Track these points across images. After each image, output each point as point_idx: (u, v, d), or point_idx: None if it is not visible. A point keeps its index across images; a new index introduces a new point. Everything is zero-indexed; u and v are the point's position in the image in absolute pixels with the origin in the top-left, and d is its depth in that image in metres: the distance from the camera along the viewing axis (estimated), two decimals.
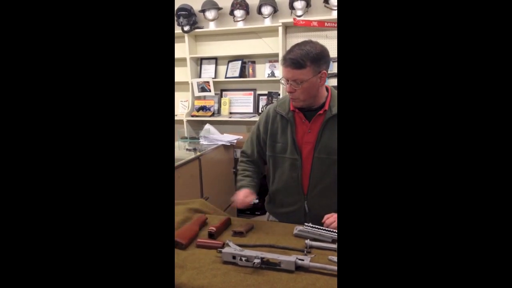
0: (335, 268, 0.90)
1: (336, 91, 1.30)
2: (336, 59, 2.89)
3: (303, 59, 1.13)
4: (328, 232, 1.09)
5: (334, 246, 1.04)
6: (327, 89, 1.28)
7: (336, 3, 2.71)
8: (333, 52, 2.87)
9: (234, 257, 0.97)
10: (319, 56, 1.16)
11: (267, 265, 0.94)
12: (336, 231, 1.09)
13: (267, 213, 1.49)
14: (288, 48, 1.21)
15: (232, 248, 0.99)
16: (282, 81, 1.23)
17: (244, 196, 1.28)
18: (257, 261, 0.93)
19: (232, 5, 2.98)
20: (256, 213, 2.84)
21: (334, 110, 1.23)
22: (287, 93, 1.25)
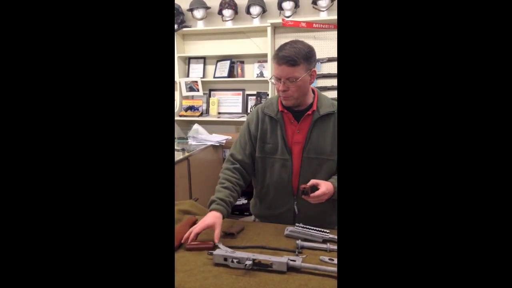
0: (327, 268, 0.90)
1: (322, 93, 1.34)
2: (324, 60, 2.92)
3: (297, 56, 1.15)
4: (319, 232, 1.09)
5: (325, 246, 1.04)
6: (313, 91, 1.30)
7: (324, 5, 2.74)
8: (320, 53, 2.92)
9: (225, 259, 0.96)
10: (309, 54, 1.19)
11: (258, 266, 0.93)
12: (327, 231, 1.10)
13: (253, 216, 1.47)
14: (276, 48, 1.21)
15: (223, 250, 0.98)
16: (273, 80, 1.23)
17: (202, 227, 1.09)
18: (248, 262, 0.92)
19: (221, 4, 2.96)
20: (245, 213, 2.83)
21: (322, 110, 1.25)
22: (276, 94, 1.24)
